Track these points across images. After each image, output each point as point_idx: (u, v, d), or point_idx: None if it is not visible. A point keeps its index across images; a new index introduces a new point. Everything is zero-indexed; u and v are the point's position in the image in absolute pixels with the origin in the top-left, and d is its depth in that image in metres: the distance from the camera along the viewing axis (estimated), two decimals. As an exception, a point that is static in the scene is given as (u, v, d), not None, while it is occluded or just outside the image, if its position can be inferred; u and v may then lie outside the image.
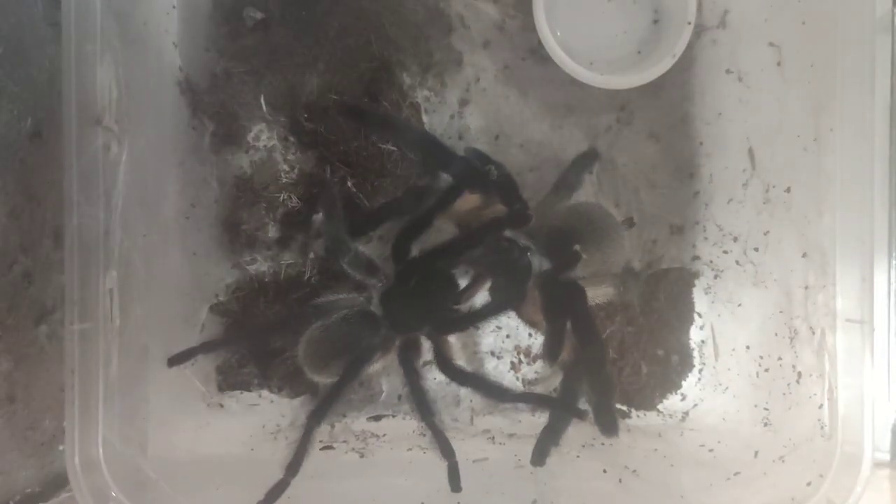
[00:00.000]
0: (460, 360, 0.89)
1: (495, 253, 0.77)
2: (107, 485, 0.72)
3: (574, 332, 0.76)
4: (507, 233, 0.78)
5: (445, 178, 0.80)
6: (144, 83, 0.81)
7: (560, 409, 0.78)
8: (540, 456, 0.78)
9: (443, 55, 0.90)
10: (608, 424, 0.77)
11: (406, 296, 0.79)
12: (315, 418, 0.76)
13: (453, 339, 0.84)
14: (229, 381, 0.90)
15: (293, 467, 0.75)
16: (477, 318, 0.79)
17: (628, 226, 0.88)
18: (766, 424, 0.83)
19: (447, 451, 0.78)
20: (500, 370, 0.92)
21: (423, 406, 0.78)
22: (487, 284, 0.82)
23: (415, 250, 0.79)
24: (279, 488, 0.75)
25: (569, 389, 0.78)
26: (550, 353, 0.77)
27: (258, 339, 0.88)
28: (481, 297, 0.83)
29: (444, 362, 0.81)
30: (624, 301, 0.90)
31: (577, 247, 0.76)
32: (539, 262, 0.79)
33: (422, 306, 0.79)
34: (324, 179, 0.86)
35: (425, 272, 0.79)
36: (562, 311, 0.76)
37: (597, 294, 0.80)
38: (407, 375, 0.79)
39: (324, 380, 0.80)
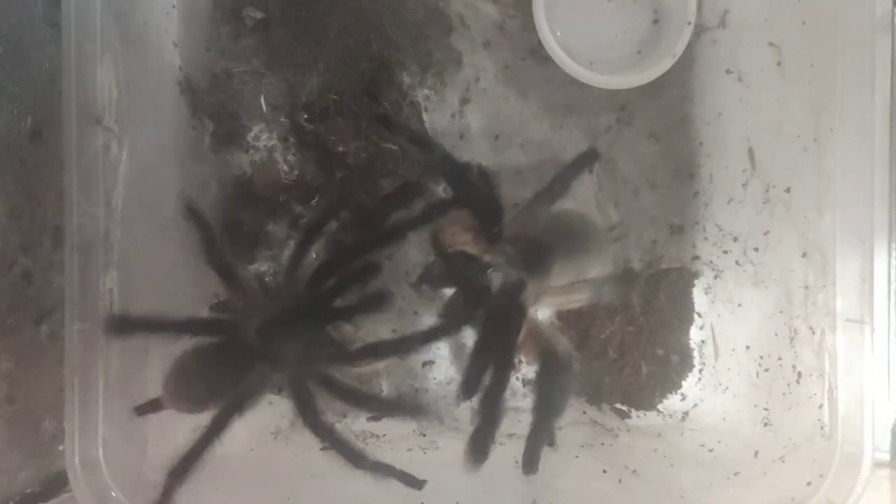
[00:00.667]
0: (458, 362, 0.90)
1: (454, 271, 0.76)
2: (107, 485, 0.72)
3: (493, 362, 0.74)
4: (472, 250, 0.77)
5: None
6: (144, 83, 0.81)
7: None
8: (530, 464, 0.77)
9: (443, 55, 0.90)
10: (531, 460, 0.76)
11: (292, 330, 0.74)
12: (176, 476, 0.70)
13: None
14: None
15: None
16: (417, 341, 0.75)
17: (617, 237, 0.88)
18: (766, 424, 0.83)
19: (391, 473, 0.74)
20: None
21: (350, 454, 0.73)
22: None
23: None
24: None
25: (543, 392, 0.78)
26: (466, 387, 0.74)
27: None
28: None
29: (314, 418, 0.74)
30: (613, 301, 0.89)
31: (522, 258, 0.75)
32: (504, 277, 0.76)
33: (306, 345, 0.74)
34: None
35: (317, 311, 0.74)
36: (494, 342, 0.74)
37: (570, 300, 0.80)
38: (318, 433, 0.72)
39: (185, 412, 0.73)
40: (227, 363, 0.73)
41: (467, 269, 0.76)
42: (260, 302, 0.77)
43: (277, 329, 0.74)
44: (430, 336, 0.76)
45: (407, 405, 0.78)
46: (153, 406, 0.75)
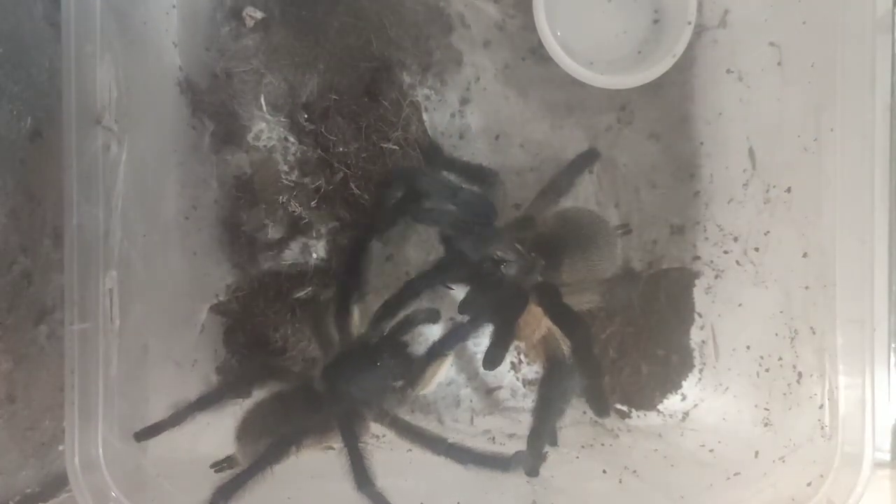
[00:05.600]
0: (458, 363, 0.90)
1: (468, 267, 0.76)
2: (107, 485, 0.72)
3: (556, 323, 0.76)
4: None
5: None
6: (144, 83, 0.81)
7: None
8: (532, 465, 0.78)
9: (443, 54, 0.90)
10: (600, 406, 0.78)
11: (351, 370, 0.76)
12: (222, 494, 0.71)
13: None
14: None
15: None
16: (443, 346, 0.76)
17: (624, 232, 0.88)
18: (766, 424, 0.83)
19: None
20: (499, 370, 0.91)
21: (360, 472, 0.73)
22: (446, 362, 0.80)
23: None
24: None
25: (547, 394, 0.78)
26: (492, 358, 0.75)
27: (212, 403, 0.79)
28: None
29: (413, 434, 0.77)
30: (622, 302, 0.90)
31: (532, 254, 0.76)
32: (517, 272, 0.77)
33: (369, 382, 0.76)
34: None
35: (376, 346, 0.77)
36: (509, 314, 0.75)
37: (581, 301, 0.80)
38: (344, 438, 0.74)
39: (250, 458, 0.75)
40: (294, 411, 0.75)
41: (481, 263, 0.76)
42: (327, 346, 0.79)
43: (340, 371, 0.76)
44: (468, 330, 0.76)
45: (478, 455, 0.76)
46: (229, 462, 0.77)
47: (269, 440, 0.73)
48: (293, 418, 0.75)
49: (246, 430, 0.76)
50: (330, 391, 0.76)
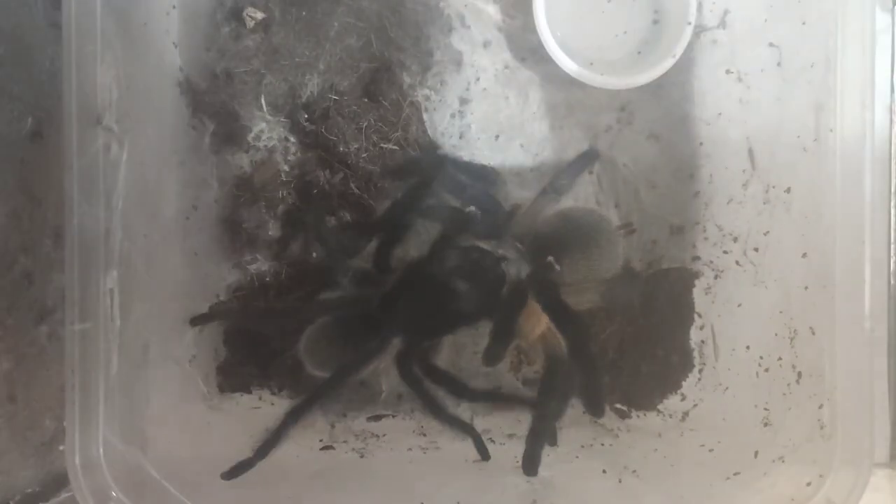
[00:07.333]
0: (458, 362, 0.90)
1: (467, 263, 0.77)
2: (107, 485, 0.72)
3: (552, 321, 0.77)
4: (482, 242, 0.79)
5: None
6: (144, 83, 0.81)
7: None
8: (531, 465, 0.78)
9: (443, 55, 0.90)
10: (595, 406, 0.80)
11: (405, 299, 0.79)
12: (294, 415, 0.76)
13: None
14: (230, 381, 0.90)
15: (262, 451, 0.76)
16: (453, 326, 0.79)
17: (627, 231, 0.88)
18: (766, 424, 0.83)
19: (469, 432, 0.80)
20: (499, 370, 0.91)
21: (436, 409, 0.79)
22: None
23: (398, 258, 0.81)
24: (245, 466, 0.76)
25: (546, 393, 0.78)
26: (492, 355, 0.76)
27: (269, 322, 0.88)
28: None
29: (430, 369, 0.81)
30: (622, 302, 0.90)
31: (550, 258, 0.76)
32: (517, 270, 0.78)
33: (422, 310, 0.79)
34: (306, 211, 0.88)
35: (424, 277, 0.79)
36: (509, 311, 0.77)
37: (580, 301, 0.80)
38: (411, 386, 0.79)
39: (324, 375, 0.80)
40: (348, 333, 0.80)
41: (482, 260, 0.77)
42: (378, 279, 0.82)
43: (396, 300, 0.79)
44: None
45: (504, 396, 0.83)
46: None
47: (336, 359, 0.78)
48: (352, 342, 0.79)
49: (311, 350, 0.81)
50: (386, 315, 0.79)
